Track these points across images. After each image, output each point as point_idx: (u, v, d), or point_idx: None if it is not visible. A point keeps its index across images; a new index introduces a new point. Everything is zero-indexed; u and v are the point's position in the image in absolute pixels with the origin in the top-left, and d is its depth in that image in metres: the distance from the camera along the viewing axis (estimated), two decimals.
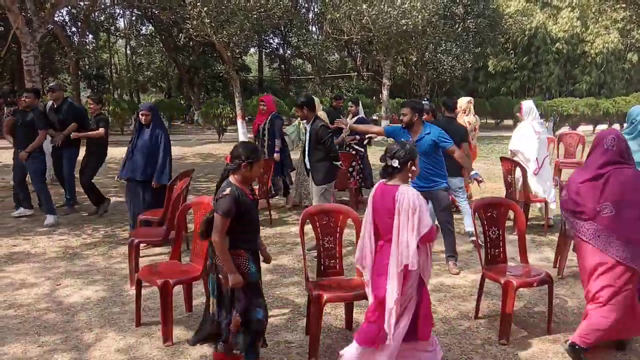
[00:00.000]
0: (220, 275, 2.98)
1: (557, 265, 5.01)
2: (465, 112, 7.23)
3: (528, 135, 6.38)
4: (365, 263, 3.08)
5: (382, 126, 5.53)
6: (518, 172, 6.37)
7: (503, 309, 3.65)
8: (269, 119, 7.33)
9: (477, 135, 7.65)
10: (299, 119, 7.63)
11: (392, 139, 5.01)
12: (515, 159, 6.54)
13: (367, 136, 7.61)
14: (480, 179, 4.94)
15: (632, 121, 4.68)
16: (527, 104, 6.61)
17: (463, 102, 7.33)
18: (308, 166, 5.68)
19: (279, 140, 7.29)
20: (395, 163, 2.99)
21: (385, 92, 19.66)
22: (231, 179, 3.01)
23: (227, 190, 2.90)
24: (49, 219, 6.72)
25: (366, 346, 2.93)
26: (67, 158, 7.25)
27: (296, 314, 4.06)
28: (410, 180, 3.10)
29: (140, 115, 5.81)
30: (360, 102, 8.32)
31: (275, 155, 7.23)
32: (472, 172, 5.00)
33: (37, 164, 6.75)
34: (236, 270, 2.92)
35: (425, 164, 4.85)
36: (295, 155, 7.99)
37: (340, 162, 5.70)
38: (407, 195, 2.86)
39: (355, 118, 7.77)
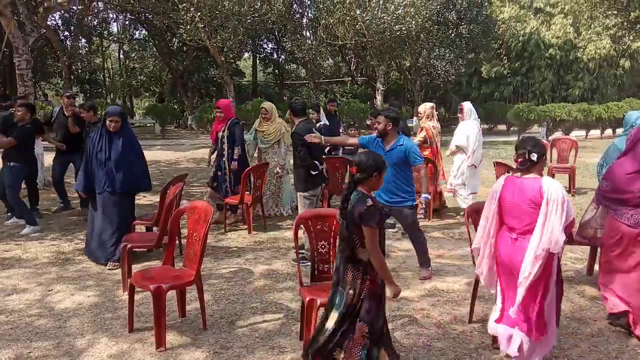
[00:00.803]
0: (351, 291, 2.90)
1: None
2: (429, 118, 7.38)
3: (474, 132, 7.09)
4: (484, 253, 3.38)
5: (357, 137, 5.36)
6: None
7: None
8: (227, 125, 6.76)
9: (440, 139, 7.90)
10: (255, 124, 7.28)
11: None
12: (457, 155, 7.31)
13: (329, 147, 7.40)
14: (424, 206, 4.91)
15: (632, 124, 4.86)
16: (468, 105, 7.33)
17: (427, 107, 7.55)
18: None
19: (238, 148, 6.73)
20: (534, 157, 3.19)
21: (379, 97, 19.74)
22: (361, 189, 2.96)
23: (370, 201, 2.86)
24: (27, 229, 6.53)
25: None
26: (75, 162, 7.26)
27: (290, 319, 4.04)
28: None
29: (108, 122, 5.16)
30: (321, 108, 7.92)
31: (233, 163, 6.72)
32: (424, 195, 4.79)
33: (15, 176, 6.49)
34: (394, 282, 2.99)
35: (392, 177, 4.73)
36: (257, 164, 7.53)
37: (321, 169, 5.47)
38: (555, 186, 3.10)
39: (318, 125, 7.50)
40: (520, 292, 3.13)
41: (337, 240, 3.73)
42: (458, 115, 7.53)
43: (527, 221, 3.15)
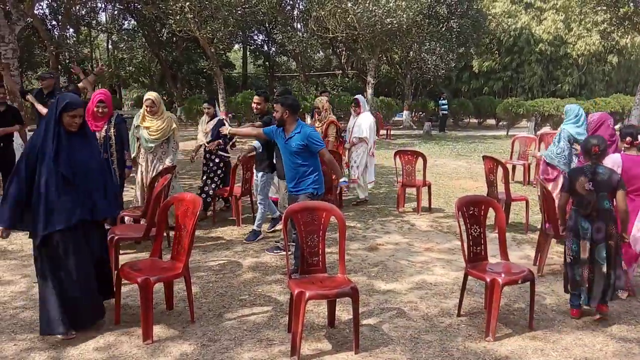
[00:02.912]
0: (612, 242, 3.90)
1: (537, 263, 5.07)
2: (327, 111, 7.50)
3: (372, 124, 7.63)
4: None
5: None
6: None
7: (489, 306, 3.68)
8: (113, 123, 5.46)
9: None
10: (135, 119, 6.08)
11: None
12: (358, 145, 7.54)
13: (232, 141, 6.94)
14: (347, 188, 4.78)
15: (576, 114, 5.91)
16: (362, 98, 7.83)
17: (324, 100, 7.76)
18: (275, 160, 5.74)
19: (129, 152, 5.66)
20: None
21: (369, 91, 19.70)
22: (602, 163, 4.01)
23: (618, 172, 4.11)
24: None
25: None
26: None
27: (278, 312, 4.04)
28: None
29: (68, 119, 3.47)
30: (215, 102, 7.24)
31: (127, 171, 5.64)
32: (342, 180, 4.78)
33: None
34: None
35: (292, 165, 4.65)
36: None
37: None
38: None
39: (216, 120, 6.79)
40: None
41: (325, 233, 3.74)
42: (353, 108, 7.84)
43: (638, 184, 4.35)
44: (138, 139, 5.98)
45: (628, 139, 4.46)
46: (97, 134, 5.30)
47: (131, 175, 5.90)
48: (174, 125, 6.01)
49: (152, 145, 5.92)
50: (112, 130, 5.45)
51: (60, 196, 3.42)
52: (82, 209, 3.49)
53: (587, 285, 3.94)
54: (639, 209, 4.31)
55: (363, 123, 7.59)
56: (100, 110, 5.35)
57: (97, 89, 6.41)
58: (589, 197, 3.88)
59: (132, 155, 5.91)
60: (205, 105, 6.94)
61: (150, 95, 6.00)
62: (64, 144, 3.49)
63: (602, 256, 3.89)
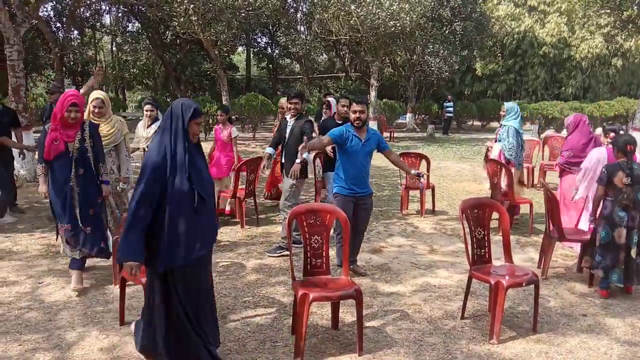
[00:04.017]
0: None
1: (542, 266, 5.06)
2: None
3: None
4: None
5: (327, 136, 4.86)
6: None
7: (493, 309, 3.68)
8: (87, 132, 4.42)
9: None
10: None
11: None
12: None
13: None
14: (422, 176, 4.81)
15: (515, 112, 6.44)
16: (334, 101, 7.55)
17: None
18: (283, 160, 5.73)
19: (104, 165, 4.63)
20: None
21: (373, 93, 19.69)
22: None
23: None
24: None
25: None
26: None
27: (282, 313, 4.04)
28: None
29: (195, 128, 2.99)
30: (158, 105, 6.39)
31: (105, 187, 4.58)
32: (413, 171, 4.87)
33: None
34: None
35: (365, 167, 4.76)
36: None
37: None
38: None
39: (158, 123, 6.10)
40: None
41: (330, 235, 3.74)
42: (325, 111, 7.74)
43: None
44: None
45: (612, 134, 5.17)
46: (69, 145, 4.34)
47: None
48: (126, 130, 5.32)
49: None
50: (87, 140, 4.43)
51: (191, 220, 2.90)
52: (211, 232, 3.08)
53: (623, 267, 4.39)
54: None
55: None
56: (72, 116, 4.31)
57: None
58: (627, 190, 4.34)
59: None
60: (148, 107, 6.16)
61: (99, 94, 5.19)
62: (192, 157, 2.95)
63: (634, 241, 4.38)
